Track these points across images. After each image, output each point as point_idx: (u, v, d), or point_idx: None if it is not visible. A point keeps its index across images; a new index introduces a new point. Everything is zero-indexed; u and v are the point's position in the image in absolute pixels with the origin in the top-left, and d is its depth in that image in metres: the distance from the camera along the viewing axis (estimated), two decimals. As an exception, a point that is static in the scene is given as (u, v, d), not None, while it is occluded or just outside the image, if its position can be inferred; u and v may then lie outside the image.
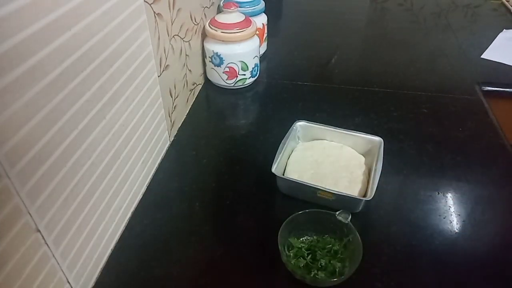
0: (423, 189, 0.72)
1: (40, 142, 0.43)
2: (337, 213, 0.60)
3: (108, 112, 0.57)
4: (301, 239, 0.61)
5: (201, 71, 0.99)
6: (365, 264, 0.54)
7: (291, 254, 0.59)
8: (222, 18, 0.91)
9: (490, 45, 1.17)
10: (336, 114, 0.91)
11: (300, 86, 1.01)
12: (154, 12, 0.67)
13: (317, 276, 0.56)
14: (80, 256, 0.55)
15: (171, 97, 0.81)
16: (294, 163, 0.73)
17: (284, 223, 0.59)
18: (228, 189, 0.73)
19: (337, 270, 0.56)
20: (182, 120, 0.89)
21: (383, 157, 0.69)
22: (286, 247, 0.59)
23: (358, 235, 0.57)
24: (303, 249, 0.59)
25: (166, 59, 0.75)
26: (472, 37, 1.25)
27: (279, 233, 0.57)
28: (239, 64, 0.93)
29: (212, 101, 1.00)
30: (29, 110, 0.41)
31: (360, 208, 0.65)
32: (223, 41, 0.90)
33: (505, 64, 1.08)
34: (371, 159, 0.72)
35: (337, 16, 1.41)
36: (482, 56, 1.12)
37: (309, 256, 0.58)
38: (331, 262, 0.57)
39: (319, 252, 0.58)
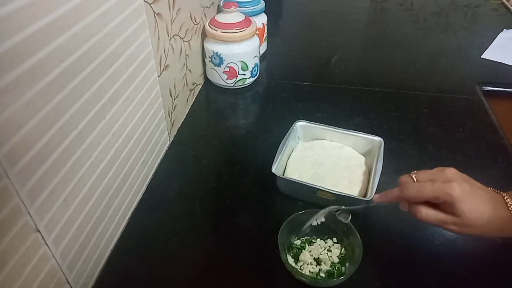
0: (423, 189, 0.72)
1: (40, 142, 0.43)
2: (337, 213, 0.60)
3: (108, 112, 0.57)
4: (301, 239, 0.61)
5: (201, 71, 0.99)
6: (365, 264, 0.54)
7: (291, 254, 0.59)
8: (222, 18, 0.91)
9: (490, 45, 1.17)
10: (336, 114, 0.91)
11: (300, 86, 1.01)
12: (154, 12, 0.67)
13: (317, 276, 0.56)
14: (80, 256, 0.55)
15: (171, 97, 0.81)
16: (294, 163, 0.73)
17: (284, 223, 0.59)
18: (228, 189, 0.73)
19: (337, 270, 0.56)
20: (182, 120, 0.89)
21: (383, 157, 0.69)
22: (286, 247, 0.59)
23: (358, 235, 0.57)
24: (303, 249, 0.59)
25: (166, 59, 0.75)
26: (472, 37, 1.25)
27: (279, 233, 0.57)
28: (239, 64, 0.93)
29: (212, 101, 1.00)
30: (29, 110, 0.41)
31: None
32: (223, 41, 0.90)
33: (505, 64, 1.08)
34: (371, 159, 0.72)
35: (337, 16, 1.41)
36: (482, 56, 1.12)
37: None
38: (331, 262, 0.57)
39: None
